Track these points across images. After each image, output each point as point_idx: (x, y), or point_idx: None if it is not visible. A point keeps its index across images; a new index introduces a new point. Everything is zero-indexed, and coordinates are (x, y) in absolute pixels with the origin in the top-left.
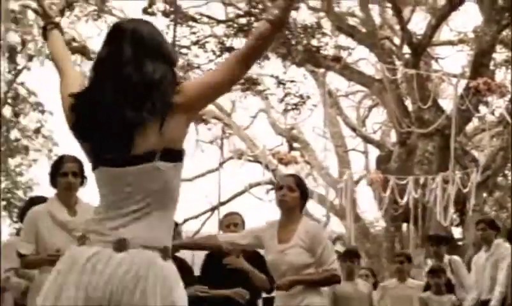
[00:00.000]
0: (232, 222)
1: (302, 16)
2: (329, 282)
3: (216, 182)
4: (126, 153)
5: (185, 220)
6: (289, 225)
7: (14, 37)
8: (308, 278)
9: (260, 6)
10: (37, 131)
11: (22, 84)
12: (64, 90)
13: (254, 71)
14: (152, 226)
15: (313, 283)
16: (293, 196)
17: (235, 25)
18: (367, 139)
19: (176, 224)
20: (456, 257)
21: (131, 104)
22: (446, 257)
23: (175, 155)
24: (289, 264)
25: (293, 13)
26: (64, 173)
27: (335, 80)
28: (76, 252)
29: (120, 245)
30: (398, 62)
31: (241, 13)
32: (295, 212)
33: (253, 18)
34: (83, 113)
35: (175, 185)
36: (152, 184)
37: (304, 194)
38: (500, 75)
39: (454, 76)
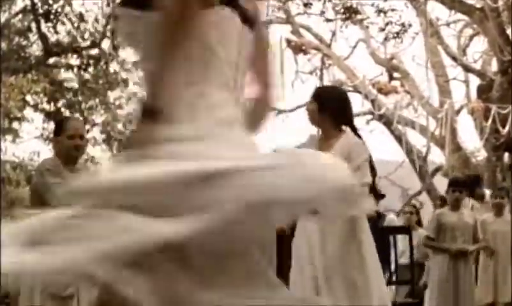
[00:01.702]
0: None
1: None
2: None
3: None
4: None
5: None
6: (325, 142)
7: None
8: None
9: None
10: (136, 64)
11: None
12: None
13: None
14: None
15: None
16: (310, 109)
17: None
18: (468, 69)
19: None
20: None
21: None
22: None
23: None
24: None
25: None
26: None
27: (436, 9)
28: None
29: None
30: None
31: None
32: (327, 127)
33: None
34: None
35: None
36: None
37: (324, 104)
38: None
39: None
